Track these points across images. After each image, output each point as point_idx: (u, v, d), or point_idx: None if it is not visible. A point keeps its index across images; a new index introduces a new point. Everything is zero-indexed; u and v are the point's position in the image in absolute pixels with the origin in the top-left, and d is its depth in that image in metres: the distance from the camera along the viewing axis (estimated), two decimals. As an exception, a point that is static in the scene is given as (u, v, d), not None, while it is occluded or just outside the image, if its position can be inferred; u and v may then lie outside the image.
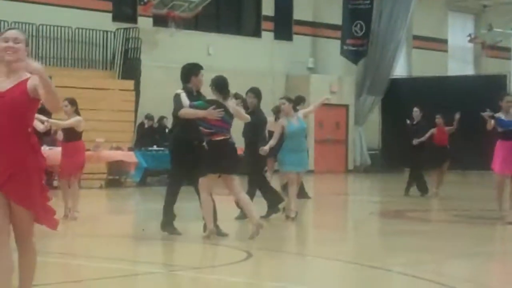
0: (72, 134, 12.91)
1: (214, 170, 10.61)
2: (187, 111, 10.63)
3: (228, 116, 10.63)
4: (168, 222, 11.23)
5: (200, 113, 10.50)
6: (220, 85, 10.80)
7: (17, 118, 5.26)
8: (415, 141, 18.36)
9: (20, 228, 5.53)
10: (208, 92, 11.00)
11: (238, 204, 11.79)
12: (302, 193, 15.54)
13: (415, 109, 18.72)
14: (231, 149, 10.69)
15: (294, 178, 13.09)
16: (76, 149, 12.99)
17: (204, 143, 10.73)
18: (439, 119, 18.68)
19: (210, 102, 10.59)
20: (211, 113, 10.40)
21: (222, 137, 10.55)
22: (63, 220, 12.61)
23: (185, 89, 10.98)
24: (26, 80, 5.29)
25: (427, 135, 18.46)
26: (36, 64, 5.14)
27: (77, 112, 12.92)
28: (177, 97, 10.82)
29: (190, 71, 11.17)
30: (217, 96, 10.71)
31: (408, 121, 18.71)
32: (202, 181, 10.68)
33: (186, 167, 11.00)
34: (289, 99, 13.68)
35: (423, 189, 18.63)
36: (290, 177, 13.12)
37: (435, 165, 18.78)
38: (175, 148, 11.15)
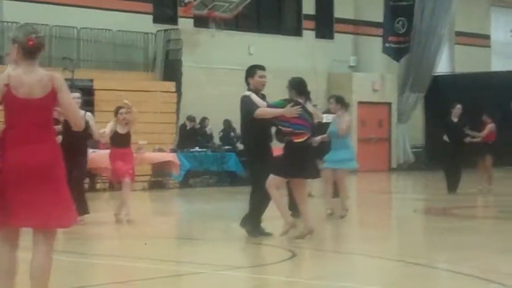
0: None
1: (295, 174, 10.44)
2: (265, 111, 10.46)
3: (308, 115, 10.52)
4: (255, 227, 10.87)
5: (278, 111, 10.35)
6: (300, 86, 10.70)
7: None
8: (468, 140, 18.13)
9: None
10: (273, 94, 10.92)
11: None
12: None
13: (458, 106, 18.42)
14: (312, 152, 10.63)
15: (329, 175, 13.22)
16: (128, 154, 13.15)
17: (284, 144, 10.61)
18: (485, 117, 18.45)
19: (288, 101, 10.48)
20: (290, 111, 10.24)
21: (303, 138, 10.41)
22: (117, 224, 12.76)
23: (250, 91, 10.84)
24: None
25: (485, 131, 18.26)
26: None
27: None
28: (246, 99, 10.64)
29: (248, 72, 10.95)
30: (296, 98, 10.57)
31: (454, 120, 18.37)
32: (273, 179, 10.46)
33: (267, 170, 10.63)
34: (337, 99, 13.60)
35: (453, 188, 18.38)
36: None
37: (475, 161, 18.61)
38: (257, 152, 10.81)
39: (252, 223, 10.83)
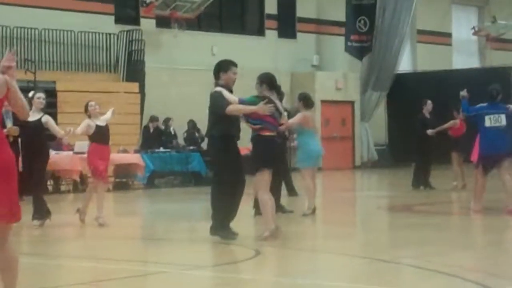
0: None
1: (270, 164, 10.46)
2: (237, 107, 10.36)
3: (278, 113, 10.55)
4: (221, 225, 10.60)
5: (252, 108, 10.28)
6: (271, 80, 10.69)
7: None
8: (431, 132, 18.37)
9: None
10: (236, 94, 10.83)
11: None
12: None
13: (429, 102, 18.76)
14: (276, 147, 10.68)
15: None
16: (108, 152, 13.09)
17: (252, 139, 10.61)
18: (456, 113, 18.62)
19: (261, 98, 10.42)
20: (263, 108, 10.17)
21: (269, 133, 10.44)
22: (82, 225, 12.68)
23: (216, 85, 10.68)
24: None
25: (447, 124, 18.47)
26: None
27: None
28: (217, 94, 10.49)
29: (220, 67, 10.78)
30: (267, 93, 10.54)
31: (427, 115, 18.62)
32: (261, 178, 10.43)
33: (233, 166, 10.58)
34: (299, 96, 13.81)
35: (422, 183, 18.63)
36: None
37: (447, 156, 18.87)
38: (221, 148, 10.63)
39: (220, 223, 10.58)
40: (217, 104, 10.50)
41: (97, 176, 12.75)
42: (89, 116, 12.74)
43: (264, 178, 10.41)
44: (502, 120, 13.15)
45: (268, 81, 10.68)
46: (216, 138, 10.68)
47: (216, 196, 10.63)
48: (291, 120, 13.19)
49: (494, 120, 13.24)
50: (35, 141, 12.38)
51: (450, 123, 18.54)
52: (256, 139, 10.58)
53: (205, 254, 10.00)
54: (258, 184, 10.47)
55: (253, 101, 10.43)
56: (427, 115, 18.71)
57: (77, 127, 12.95)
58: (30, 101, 12.03)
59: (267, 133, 10.42)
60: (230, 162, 10.56)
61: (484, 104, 13.43)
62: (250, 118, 10.44)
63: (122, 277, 8.18)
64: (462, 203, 16.14)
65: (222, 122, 10.56)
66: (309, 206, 13.36)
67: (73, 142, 19.92)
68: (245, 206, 12.22)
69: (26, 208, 16.52)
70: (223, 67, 10.77)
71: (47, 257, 9.60)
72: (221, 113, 10.42)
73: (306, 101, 13.46)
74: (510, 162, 13.43)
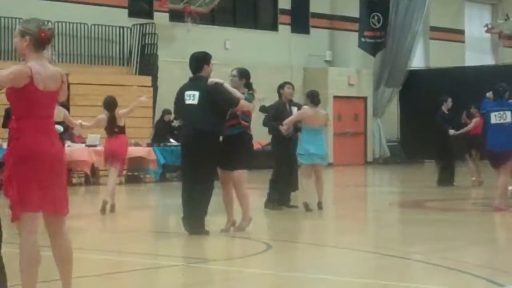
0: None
1: (252, 162, 10.68)
2: (247, 103, 10.35)
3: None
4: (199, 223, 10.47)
5: (252, 105, 10.46)
6: (249, 78, 10.74)
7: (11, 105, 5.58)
8: (453, 132, 18.32)
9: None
10: None
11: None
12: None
13: (449, 99, 18.72)
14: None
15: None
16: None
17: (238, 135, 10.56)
18: (473, 110, 18.59)
19: (252, 95, 10.58)
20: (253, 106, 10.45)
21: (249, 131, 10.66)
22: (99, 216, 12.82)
23: (202, 78, 10.48)
24: None
25: (471, 125, 18.43)
26: None
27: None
28: (224, 88, 10.25)
29: (204, 59, 10.59)
30: (242, 89, 10.54)
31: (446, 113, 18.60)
32: (244, 173, 10.55)
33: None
34: (307, 94, 13.96)
35: (446, 181, 18.63)
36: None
37: (464, 154, 18.85)
38: (216, 142, 10.37)
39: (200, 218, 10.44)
40: (228, 98, 10.24)
41: (109, 161, 13.11)
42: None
43: (245, 175, 10.61)
44: (507, 117, 13.18)
45: (247, 77, 10.67)
46: (217, 137, 10.40)
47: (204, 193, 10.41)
48: (289, 118, 13.26)
49: (499, 117, 13.28)
50: None
51: (474, 123, 18.47)
52: (244, 137, 10.56)
53: (215, 248, 10.04)
54: (243, 178, 10.54)
55: (250, 99, 10.49)
56: (446, 112, 18.68)
57: (90, 120, 13.12)
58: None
59: (249, 131, 10.61)
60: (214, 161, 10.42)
61: (490, 101, 13.54)
62: (245, 115, 10.46)
63: (133, 269, 8.23)
64: (474, 200, 16.14)
65: (223, 119, 10.34)
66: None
67: (85, 135, 20.04)
68: (255, 200, 12.28)
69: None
70: (206, 60, 10.59)
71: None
72: (230, 107, 10.25)
73: (312, 98, 13.54)
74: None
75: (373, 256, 9.12)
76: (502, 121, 13.22)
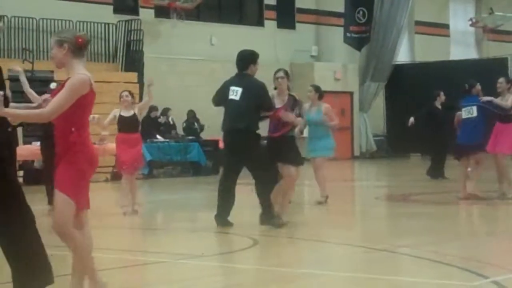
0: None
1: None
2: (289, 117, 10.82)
3: None
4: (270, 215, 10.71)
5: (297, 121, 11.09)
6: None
7: (62, 116, 5.73)
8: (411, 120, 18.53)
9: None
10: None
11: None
12: None
13: (442, 93, 18.89)
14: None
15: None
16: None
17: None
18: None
19: None
20: None
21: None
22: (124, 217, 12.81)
23: (249, 76, 10.81)
24: (67, 80, 5.82)
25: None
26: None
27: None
28: (266, 90, 10.74)
29: (250, 59, 10.87)
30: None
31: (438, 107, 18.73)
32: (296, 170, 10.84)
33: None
34: (316, 88, 13.93)
35: (438, 173, 18.76)
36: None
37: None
38: (251, 138, 10.71)
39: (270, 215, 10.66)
40: (269, 100, 10.69)
41: (119, 167, 13.08)
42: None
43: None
44: (474, 111, 13.59)
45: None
46: (253, 133, 10.70)
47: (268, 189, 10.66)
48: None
49: (467, 112, 13.72)
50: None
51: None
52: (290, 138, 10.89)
53: (204, 244, 10.06)
54: (293, 175, 10.92)
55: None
56: (438, 106, 18.82)
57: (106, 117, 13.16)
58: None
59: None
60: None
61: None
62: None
63: (121, 266, 8.24)
64: (459, 193, 16.19)
65: (258, 118, 10.77)
66: None
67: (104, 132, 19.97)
68: (242, 196, 12.29)
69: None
70: (253, 59, 10.88)
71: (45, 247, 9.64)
72: (268, 110, 10.66)
73: (321, 93, 13.92)
74: (479, 154, 13.69)
75: (360, 250, 9.16)
76: (469, 115, 13.62)
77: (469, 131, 13.62)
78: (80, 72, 5.79)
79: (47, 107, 5.69)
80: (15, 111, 5.70)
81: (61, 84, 5.91)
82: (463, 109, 13.98)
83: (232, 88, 10.81)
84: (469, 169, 18.59)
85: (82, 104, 5.75)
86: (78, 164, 5.75)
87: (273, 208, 10.66)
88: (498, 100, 13.74)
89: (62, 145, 5.80)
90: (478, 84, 14.13)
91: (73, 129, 5.75)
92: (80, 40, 5.85)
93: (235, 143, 10.67)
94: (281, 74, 11.05)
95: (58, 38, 5.85)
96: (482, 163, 13.91)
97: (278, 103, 10.89)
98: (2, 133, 5.73)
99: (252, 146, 10.60)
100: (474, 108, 13.69)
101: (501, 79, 14.02)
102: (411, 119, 18.72)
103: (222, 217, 10.76)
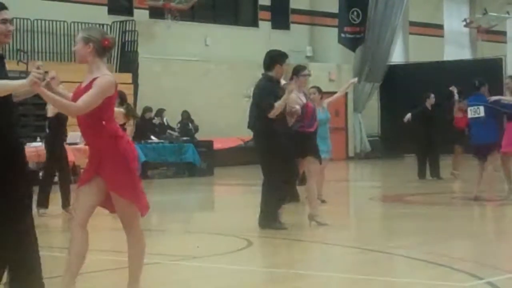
0: None
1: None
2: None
3: None
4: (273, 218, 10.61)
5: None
6: None
7: (89, 113, 5.79)
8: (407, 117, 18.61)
9: (121, 217, 6.28)
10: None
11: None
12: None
13: (432, 95, 18.95)
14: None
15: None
16: None
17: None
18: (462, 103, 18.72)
19: None
20: None
21: None
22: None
23: (266, 77, 10.80)
24: (94, 79, 5.86)
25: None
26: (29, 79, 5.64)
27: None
28: (262, 91, 10.74)
29: (277, 59, 10.89)
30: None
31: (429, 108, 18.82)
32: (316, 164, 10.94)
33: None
34: (319, 89, 14.00)
35: (438, 174, 18.81)
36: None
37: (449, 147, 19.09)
38: (261, 138, 10.67)
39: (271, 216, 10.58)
40: (266, 101, 10.65)
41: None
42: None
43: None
44: (481, 111, 13.43)
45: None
46: (260, 134, 10.74)
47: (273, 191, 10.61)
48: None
49: (473, 112, 13.59)
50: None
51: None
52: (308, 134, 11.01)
53: (198, 245, 10.05)
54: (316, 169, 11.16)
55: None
56: (429, 108, 18.87)
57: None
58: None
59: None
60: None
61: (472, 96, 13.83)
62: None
63: (114, 268, 8.23)
64: (453, 194, 16.23)
65: (264, 118, 10.69)
66: None
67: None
68: (236, 197, 12.29)
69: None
70: (280, 60, 10.97)
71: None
72: (266, 112, 10.65)
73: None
74: (495, 153, 13.62)
75: (354, 251, 9.16)
76: (476, 115, 13.50)
77: (484, 131, 13.43)
78: (106, 73, 5.90)
79: (78, 102, 5.74)
80: (49, 94, 5.75)
81: (87, 85, 5.92)
82: (469, 108, 13.74)
83: (252, 89, 11.15)
84: (457, 172, 18.69)
85: (107, 103, 5.87)
86: (127, 159, 5.89)
87: (276, 211, 10.57)
88: (507, 98, 13.64)
89: (96, 144, 5.89)
90: (486, 84, 14.03)
91: (103, 122, 5.84)
92: (106, 42, 5.88)
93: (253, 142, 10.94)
94: (306, 72, 11.40)
95: (85, 35, 5.89)
96: (495, 163, 13.75)
97: (302, 98, 10.92)
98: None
99: (259, 146, 10.65)
100: (481, 108, 13.52)
101: (508, 79, 14.00)
102: (408, 115, 18.75)
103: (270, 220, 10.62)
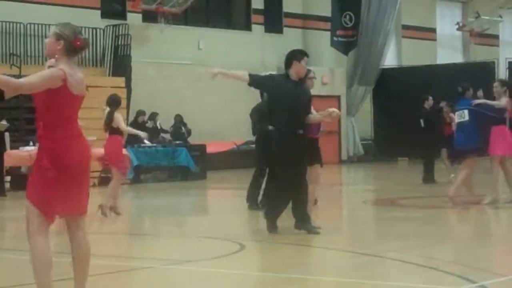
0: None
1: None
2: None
3: None
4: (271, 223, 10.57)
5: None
6: None
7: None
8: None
9: (68, 221, 5.85)
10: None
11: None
12: None
13: (430, 98, 18.99)
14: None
15: None
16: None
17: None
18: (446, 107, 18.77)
19: None
20: None
21: None
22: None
23: (282, 74, 10.88)
24: None
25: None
26: None
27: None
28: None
29: (293, 56, 10.64)
30: None
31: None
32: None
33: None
34: None
35: (431, 178, 18.85)
36: None
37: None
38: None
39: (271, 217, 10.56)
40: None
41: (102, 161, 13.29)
42: None
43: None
44: (466, 115, 13.52)
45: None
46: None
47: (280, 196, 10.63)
48: None
49: (459, 116, 13.68)
50: None
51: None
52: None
53: (190, 249, 10.05)
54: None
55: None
56: (428, 110, 18.96)
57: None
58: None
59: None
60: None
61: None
62: None
63: (107, 272, 8.21)
64: (446, 197, 16.22)
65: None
66: None
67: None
68: (229, 201, 12.30)
69: (6, 203, 16.54)
70: (296, 56, 10.63)
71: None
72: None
73: None
74: (476, 158, 13.71)
75: (347, 254, 9.16)
76: (461, 119, 13.59)
77: (464, 135, 13.54)
78: (61, 67, 5.61)
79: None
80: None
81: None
82: (456, 112, 13.92)
83: None
84: (452, 175, 18.72)
85: (53, 99, 5.54)
86: (40, 163, 5.59)
87: (274, 214, 10.61)
88: (489, 101, 13.72)
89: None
90: (471, 88, 14.09)
91: (40, 123, 5.62)
92: (78, 42, 5.70)
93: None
94: (311, 74, 11.48)
95: (58, 31, 5.71)
96: (473, 168, 13.82)
97: None
98: None
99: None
100: (466, 112, 13.61)
101: (496, 83, 13.99)
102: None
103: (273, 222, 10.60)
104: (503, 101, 13.55)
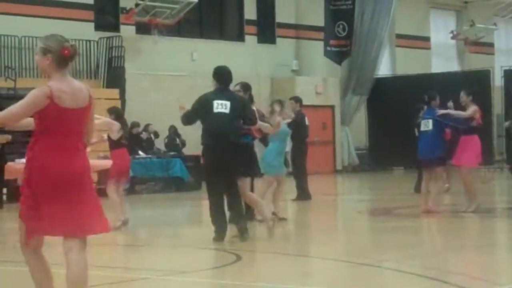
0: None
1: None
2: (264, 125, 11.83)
3: None
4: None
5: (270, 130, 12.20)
6: (251, 89, 12.19)
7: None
8: None
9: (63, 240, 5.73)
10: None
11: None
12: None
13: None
14: None
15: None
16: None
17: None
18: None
19: None
20: None
21: None
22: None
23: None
24: None
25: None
26: None
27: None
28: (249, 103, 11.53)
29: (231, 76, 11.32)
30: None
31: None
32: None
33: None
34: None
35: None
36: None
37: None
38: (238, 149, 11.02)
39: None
40: (254, 115, 11.22)
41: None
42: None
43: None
44: (429, 125, 13.59)
45: (250, 90, 11.88)
46: (237, 145, 11.03)
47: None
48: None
49: (424, 125, 13.72)
50: None
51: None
52: (252, 145, 11.75)
53: (186, 260, 10.02)
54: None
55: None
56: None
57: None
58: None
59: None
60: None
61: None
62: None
63: (104, 283, 8.18)
64: (441, 207, 16.20)
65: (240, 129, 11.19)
66: None
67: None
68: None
69: (3, 215, 16.49)
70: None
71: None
72: (250, 124, 11.16)
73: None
74: (441, 168, 13.77)
75: (343, 264, 9.14)
76: (426, 129, 13.64)
77: (428, 145, 13.61)
78: (49, 84, 5.47)
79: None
80: None
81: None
82: (422, 121, 13.99)
83: (218, 101, 10.88)
84: (446, 185, 18.71)
85: (42, 116, 5.42)
86: (29, 181, 5.48)
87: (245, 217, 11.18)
88: (455, 112, 13.80)
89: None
90: (438, 97, 14.10)
91: (33, 139, 5.51)
92: (66, 51, 5.47)
93: (225, 156, 10.64)
94: (237, 87, 11.88)
95: (43, 46, 5.47)
96: (441, 177, 13.94)
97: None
98: None
99: (238, 159, 10.81)
100: (430, 122, 13.68)
101: (462, 93, 13.96)
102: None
103: (221, 236, 10.76)
104: (470, 110, 13.59)
